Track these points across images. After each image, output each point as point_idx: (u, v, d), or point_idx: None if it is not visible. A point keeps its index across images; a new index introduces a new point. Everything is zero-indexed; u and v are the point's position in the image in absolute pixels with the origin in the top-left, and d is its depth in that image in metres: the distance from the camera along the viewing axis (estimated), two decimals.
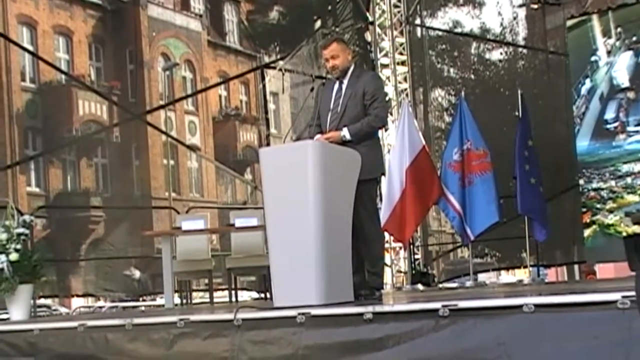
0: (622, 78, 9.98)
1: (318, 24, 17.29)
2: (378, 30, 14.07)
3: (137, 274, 19.88)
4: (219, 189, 33.71)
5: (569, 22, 10.61)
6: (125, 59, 30.83)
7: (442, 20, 19.15)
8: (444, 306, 4.64)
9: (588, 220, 10.07)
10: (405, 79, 13.99)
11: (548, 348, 4.32)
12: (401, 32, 13.99)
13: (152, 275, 19.99)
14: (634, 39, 9.92)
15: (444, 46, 19.11)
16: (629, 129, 9.82)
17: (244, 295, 14.03)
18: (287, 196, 5.77)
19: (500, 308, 4.57)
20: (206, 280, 10.39)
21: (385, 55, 14.00)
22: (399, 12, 13.96)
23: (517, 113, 9.86)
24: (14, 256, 7.49)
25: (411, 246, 12.60)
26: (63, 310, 22.77)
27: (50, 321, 7.21)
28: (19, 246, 7.60)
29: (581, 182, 10.21)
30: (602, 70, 10.12)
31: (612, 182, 9.87)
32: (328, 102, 6.66)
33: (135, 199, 29.02)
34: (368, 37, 14.54)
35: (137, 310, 15.97)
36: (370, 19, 14.28)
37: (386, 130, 12.85)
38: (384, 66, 13.98)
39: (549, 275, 17.55)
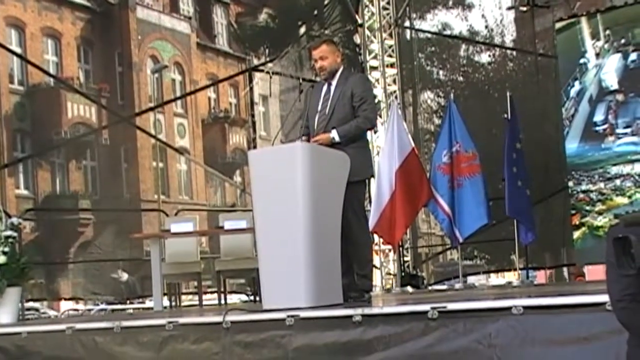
0: (611, 80, 10.00)
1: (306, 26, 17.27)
2: (367, 32, 14.05)
3: (124, 276, 19.81)
4: (208, 191, 33.67)
5: (558, 25, 10.62)
6: (114, 61, 30.78)
7: (431, 22, 19.21)
8: (433, 308, 4.64)
9: (577, 222, 10.07)
10: (394, 81, 13.97)
11: (537, 350, 4.32)
12: (390, 35, 13.96)
13: (141, 278, 19.93)
14: (623, 41, 9.93)
15: (433, 48, 19.16)
16: (618, 131, 9.83)
17: (234, 298, 13.96)
18: (276, 198, 5.76)
19: (490, 310, 4.58)
20: (195, 283, 10.35)
21: (375, 57, 13.97)
22: (388, 14, 13.94)
23: (506, 115, 9.85)
24: (1, 259, 7.46)
25: (400, 248, 12.57)
26: (52, 313, 22.65)
27: (38, 324, 7.19)
28: (7, 249, 7.57)
29: (570, 184, 10.22)
30: (591, 72, 10.13)
31: (601, 184, 9.87)
32: (316, 104, 6.63)
33: (124, 201, 29.00)
34: (357, 39, 14.51)
35: (126, 313, 15.91)
36: (360, 21, 14.26)
37: (375, 132, 12.83)
38: (373, 68, 13.95)
39: (538, 277, 17.56)
